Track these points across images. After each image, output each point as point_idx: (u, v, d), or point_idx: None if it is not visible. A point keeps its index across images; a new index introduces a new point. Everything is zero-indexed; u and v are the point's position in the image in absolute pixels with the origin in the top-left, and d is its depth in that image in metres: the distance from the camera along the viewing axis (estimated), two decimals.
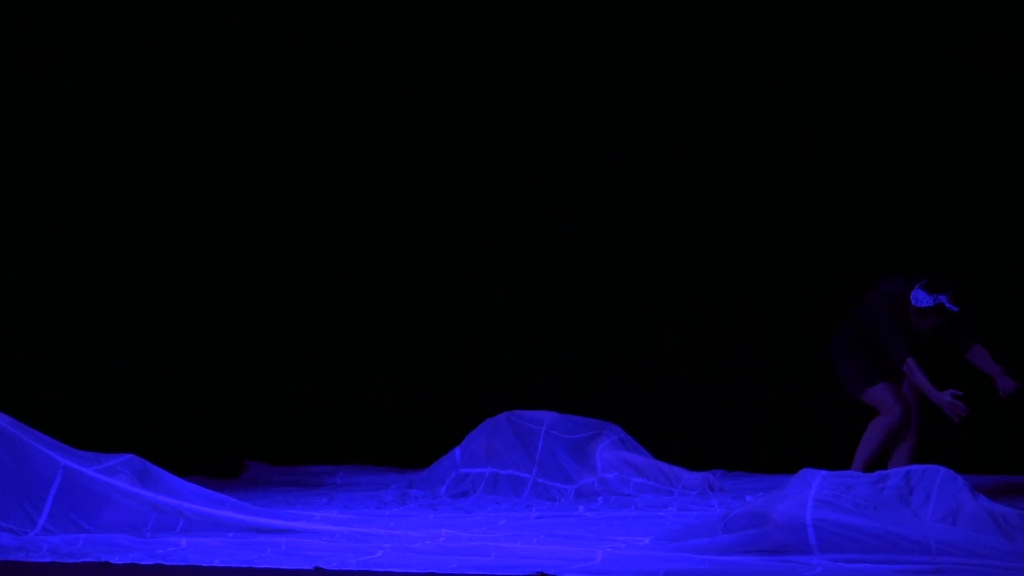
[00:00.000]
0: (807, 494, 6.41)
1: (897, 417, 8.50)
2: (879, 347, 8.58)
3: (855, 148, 10.24)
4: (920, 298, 8.48)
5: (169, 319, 10.79)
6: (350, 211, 10.93)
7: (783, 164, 10.38)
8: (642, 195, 10.61)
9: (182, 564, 6.38)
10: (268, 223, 10.96)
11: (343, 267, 10.96)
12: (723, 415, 10.40)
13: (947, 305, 8.43)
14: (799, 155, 10.33)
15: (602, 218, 10.67)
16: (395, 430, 10.77)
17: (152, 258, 10.76)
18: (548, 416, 9.46)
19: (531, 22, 10.53)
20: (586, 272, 10.69)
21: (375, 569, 6.28)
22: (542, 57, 10.61)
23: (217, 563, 6.39)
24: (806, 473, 6.62)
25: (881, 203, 10.16)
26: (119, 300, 10.67)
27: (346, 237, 10.96)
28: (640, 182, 10.61)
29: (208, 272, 10.86)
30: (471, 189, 10.83)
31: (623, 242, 10.65)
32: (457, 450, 9.45)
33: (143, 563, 6.39)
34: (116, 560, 6.44)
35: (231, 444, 10.62)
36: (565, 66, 10.61)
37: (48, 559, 6.54)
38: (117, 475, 7.52)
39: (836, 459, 8.19)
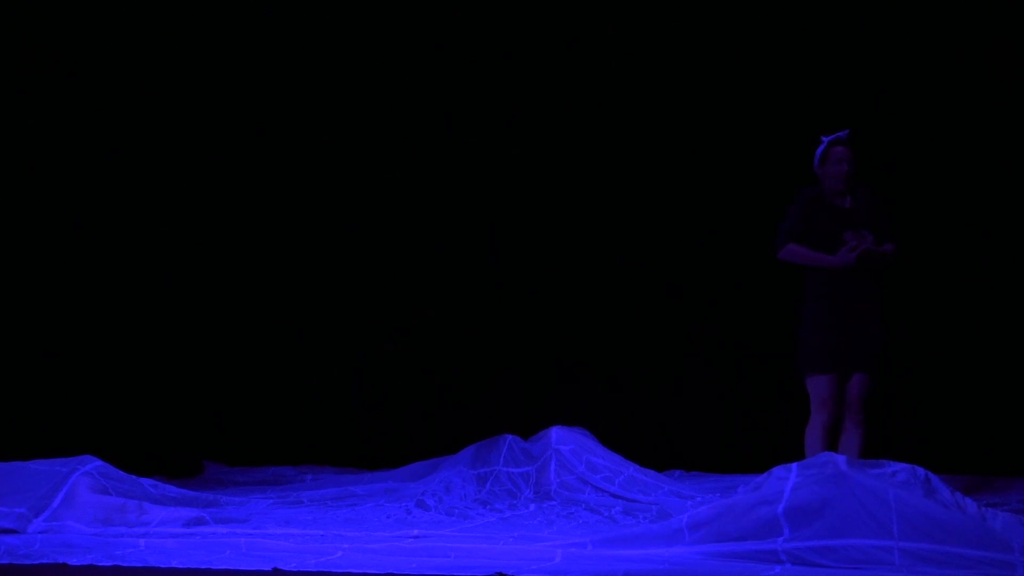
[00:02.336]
0: (784, 487, 6.49)
1: (826, 416, 8.41)
2: (839, 327, 8.49)
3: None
4: (816, 155, 8.55)
5: (122, 323, 10.74)
6: (307, 214, 10.91)
7: (743, 166, 10.42)
8: (604, 198, 10.64)
9: (140, 565, 6.36)
10: (220, 222, 10.92)
11: (301, 269, 10.94)
12: (682, 416, 10.43)
13: (825, 138, 8.48)
14: (761, 157, 10.37)
15: (563, 221, 10.69)
16: (349, 433, 10.76)
17: (108, 261, 10.71)
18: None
19: (518, 17, 10.53)
20: (547, 275, 10.71)
21: (334, 570, 6.27)
22: (502, 56, 10.64)
23: (175, 564, 6.37)
24: (778, 470, 6.69)
25: None
26: (75, 301, 10.62)
27: (300, 237, 10.94)
28: (601, 185, 10.64)
29: (163, 273, 10.82)
30: (432, 193, 10.83)
31: (585, 245, 10.67)
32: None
33: (101, 564, 6.36)
34: (73, 561, 6.41)
35: (186, 444, 10.59)
36: (522, 66, 10.64)
37: (6, 560, 6.50)
38: (88, 477, 7.56)
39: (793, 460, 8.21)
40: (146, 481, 7.94)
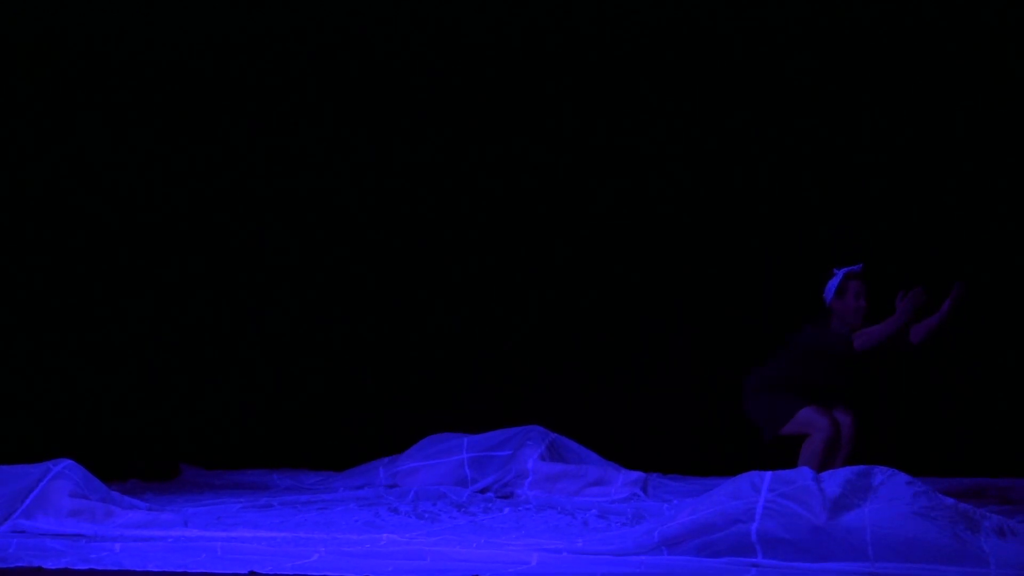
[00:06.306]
0: (756, 499, 6.49)
1: (828, 430, 8.43)
2: (798, 381, 8.55)
3: (796, 157, 10.31)
4: (830, 287, 8.52)
5: (98, 324, 10.69)
6: (285, 216, 10.89)
7: (722, 172, 10.42)
8: (578, 199, 10.63)
9: (115, 569, 6.35)
10: (197, 225, 10.88)
11: (275, 270, 10.91)
12: (659, 417, 10.43)
13: (855, 270, 8.49)
14: (739, 161, 10.38)
15: (536, 221, 10.68)
16: (326, 435, 10.73)
17: (83, 263, 10.66)
18: (466, 438, 9.54)
19: (521, 17, 10.50)
20: (522, 273, 10.69)
21: (310, 573, 6.28)
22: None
23: (151, 568, 6.36)
24: (752, 476, 6.68)
25: (815, 210, 10.22)
26: (48, 304, 10.58)
27: (275, 239, 10.91)
28: (579, 185, 10.63)
29: (137, 277, 10.78)
30: (410, 194, 10.82)
31: (560, 245, 10.66)
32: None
33: (76, 568, 6.35)
34: (48, 565, 6.40)
35: (162, 447, 10.55)
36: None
37: None
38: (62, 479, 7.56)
39: (774, 463, 8.21)
40: (116, 495, 7.89)
